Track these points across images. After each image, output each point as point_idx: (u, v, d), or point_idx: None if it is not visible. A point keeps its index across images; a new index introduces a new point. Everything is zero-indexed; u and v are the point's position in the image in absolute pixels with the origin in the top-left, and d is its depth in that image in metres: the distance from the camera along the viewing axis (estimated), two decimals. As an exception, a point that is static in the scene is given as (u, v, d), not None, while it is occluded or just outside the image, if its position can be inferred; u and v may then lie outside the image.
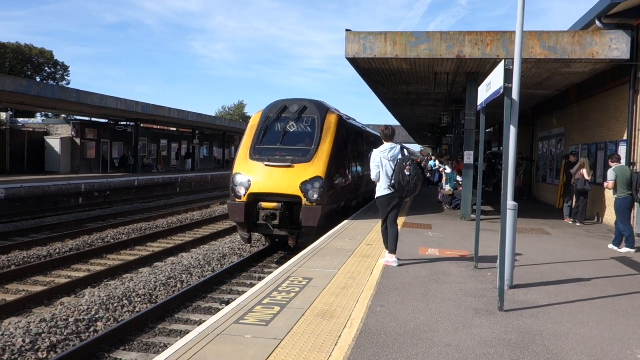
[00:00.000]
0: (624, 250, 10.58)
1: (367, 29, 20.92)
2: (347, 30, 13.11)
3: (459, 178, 17.51)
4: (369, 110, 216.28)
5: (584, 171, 14.20)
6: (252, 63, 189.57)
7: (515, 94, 6.98)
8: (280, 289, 6.67)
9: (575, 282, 7.66)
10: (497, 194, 24.97)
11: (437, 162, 31.49)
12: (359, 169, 17.13)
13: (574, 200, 15.04)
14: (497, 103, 18.64)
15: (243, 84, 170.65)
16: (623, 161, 13.17)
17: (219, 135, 52.91)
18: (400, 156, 8.26)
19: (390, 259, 8.39)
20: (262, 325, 5.22)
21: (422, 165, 35.22)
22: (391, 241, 8.37)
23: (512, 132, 6.97)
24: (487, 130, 38.75)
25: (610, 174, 10.86)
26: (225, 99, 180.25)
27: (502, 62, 6.11)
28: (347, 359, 4.46)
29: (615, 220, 11.00)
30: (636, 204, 11.39)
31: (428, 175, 31.44)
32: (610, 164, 11.13)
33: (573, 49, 12.40)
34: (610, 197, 14.39)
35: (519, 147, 28.18)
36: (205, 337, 4.86)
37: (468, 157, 14.86)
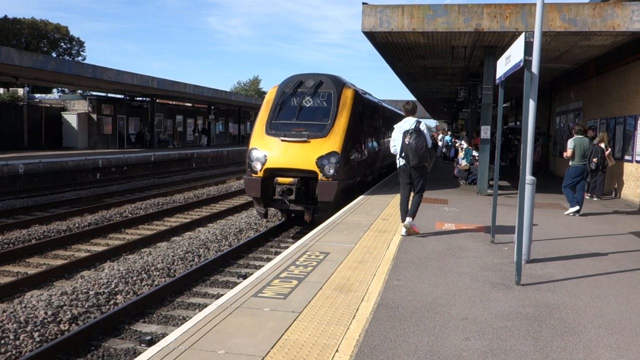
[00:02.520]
0: (569, 210, 11.52)
1: (388, 2, 20.66)
2: (363, 3, 12.97)
3: (475, 153, 17.40)
4: (385, 84, 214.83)
5: (603, 145, 14.03)
6: (268, 38, 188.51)
7: (535, 67, 6.89)
8: (297, 262, 6.72)
9: (592, 256, 7.63)
10: (513, 168, 24.82)
11: (452, 138, 31.29)
12: (375, 144, 17.07)
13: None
14: (514, 77, 18.38)
15: (258, 60, 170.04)
16: (641, 135, 13.05)
17: (234, 110, 52.89)
18: (411, 128, 8.54)
19: (409, 221, 8.82)
20: (280, 299, 5.28)
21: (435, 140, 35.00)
22: (412, 207, 8.83)
23: (532, 106, 6.89)
24: (504, 105, 38.36)
25: (570, 143, 11.66)
26: (240, 74, 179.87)
27: (523, 34, 6.01)
28: (365, 331, 4.51)
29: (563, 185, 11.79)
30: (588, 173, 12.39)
31: (444, 150, 31.28)
32: (573, 133, 11.92)
33: (593, 21, 12.16)
34: (629, 171, 14.27)
35: (536, 122, 27.93)
36: (224, 310, 4.93)
37: (485, 131, 14.74)
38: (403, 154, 8.60)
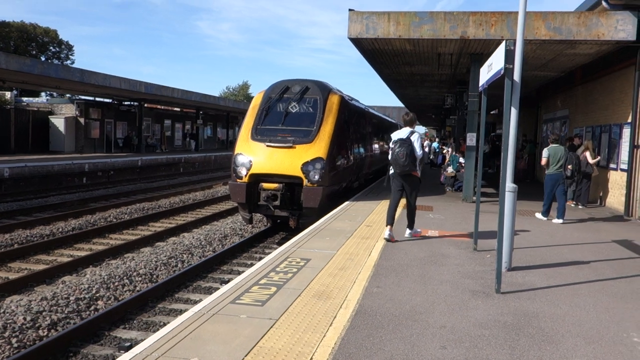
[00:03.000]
0: (541, 217, 12.08)
1: (374, 9, 20.70)
2: (350, 9, 12.98)
3: (461, 160, 17.45)
4: (374, 90, 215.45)
5: (587, 153, 14.13)
6: (258, 43, 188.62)
7: (516, 75, 6.91)
8: (277, 269, 6.68)
9: (574, 264, 7.65)
10: (500, 176, 24.88)
11: (440, 144, 31.39)
12: (362, 150, 17.07)
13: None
14: (501, 84, 18.43)
15: (248, 64, 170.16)
16: (627, 143, 13.15)
17: (222, 115, 52.80)
18: (402, 137, 8.84)
19: (408, 233, 9.33)
20: (258, 306, 5.24)
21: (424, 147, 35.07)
22: (408, 218, 9.24)
23: (513, 114, 6.92)
24: (492, 112, 38.52)
25: (545, 152, 12.05)
26: (230, 79, 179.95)
27: (503, 42, 6.03)
28: (341, 339, 4.48)
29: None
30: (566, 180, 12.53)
31: (431, 157, 31.36)
32: (549, 142, 12.35)
33: (578, 30, 12.24)
34: (614, 179, 14.36)
35: (523, 129, 28.10)
36: (201, 317, 4.88)
37: (470, 139, 14.78)
38: (391, 162, 8.94)
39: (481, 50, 14.00)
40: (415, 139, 8.80)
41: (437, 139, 38.01)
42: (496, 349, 4.42)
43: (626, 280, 6.88)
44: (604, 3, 12.47)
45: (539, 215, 12.31)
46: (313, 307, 5.25)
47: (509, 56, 5.97)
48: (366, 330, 4.69)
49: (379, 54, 15.34)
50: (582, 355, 4.38)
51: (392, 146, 8.86)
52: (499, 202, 6.32)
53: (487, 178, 22.16)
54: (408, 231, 9.27)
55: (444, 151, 25.92)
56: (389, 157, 9.01)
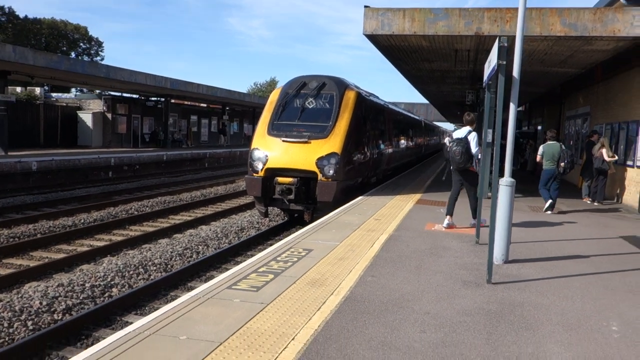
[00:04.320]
0: (547, 211, 12.39)
1: (402, 4, 20.76)
2: (365, 6, 13.13)
3: (480, 156, 17.44)
4: (402, 87, 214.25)
5: (604, 150, 14.06)
6: (288, 39, 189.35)
7: (516, 72, 7.05)
8: (278, 258, 6.93)
9: (573, 258, 7.74)
10: (523, 172, 24.78)
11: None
12: (379, 146, 17.20)
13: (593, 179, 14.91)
14: (526, 80, 18.56)
15: (278, 61, 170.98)
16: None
17: (249, 111, 53.29)
18: (459, 137, 9.69)
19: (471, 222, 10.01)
20: (252, 291, 5.49)
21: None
22: (471, 208, 9.98)
23: (512, 110, 7.05)
24: (518, 109, 38.21)
25: (540, 149, 12.87)
26: (258, 75, 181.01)
27: (497, 38, 6.17)
28: (326, 322, 4.70)
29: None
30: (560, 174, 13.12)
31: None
32: (546, 139, 13.09)
33: (594, 26, 12.19)
34: (631, 176, 14.27)
35: (546, 126, 27.84)
36: (196, 300, 5.16)
37: (487, 135, 14.78)
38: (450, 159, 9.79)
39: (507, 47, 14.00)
40: (472, 137, 9.56)
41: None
42: (474, 334, 4.59)
43: (621, 273, 6.95)
44: (621, -1, 12.41)
45: (545, 206, 12.59)
46: (305, 293, 5.48)
47: (502, 52, 6.09)
48: (351, 315, 4.91)
49: (395, 50, 15.45)
50: (556, 341, 4.53)
51: (450, 145, 9.65)
52: (492, 196, 6.46)
53: (471, 178, 22.00)
54: (472, 220, 9.94)
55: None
56: (448, 154, 9.72)
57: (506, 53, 6.27)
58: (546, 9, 12.32)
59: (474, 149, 9.51)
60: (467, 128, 9.76)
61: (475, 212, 9.72)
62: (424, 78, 22.51)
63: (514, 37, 7.65)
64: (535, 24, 12.11)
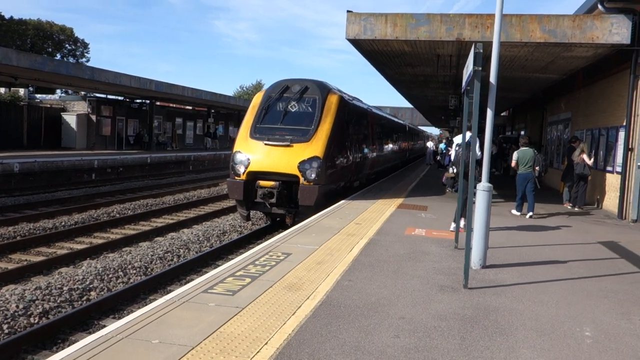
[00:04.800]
0: (516, 212, 13.05)
1: (391, 10, 20.83)
2: (348, 11, 13.19)
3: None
4: (388, 91, 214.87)
5: (584, 156, 14.22)
6: (274, 43, 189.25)
7: (492, 78, 7.12)
8: (256, 262, 6.93)
9: (551, 263, 7.81)
10: (506, 177, 24.95)
11: (446, 145, 31.46)
12: (363, 150, 17.20)
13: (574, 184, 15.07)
14: (508, 87, 18.73)
15: (264, 64, 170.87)
16: (621, 146, 13.23)
17: (234, 114, 53.16)
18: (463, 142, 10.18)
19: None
20: (228, 295, 5.48)
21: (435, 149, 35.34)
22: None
23: (489, 116, 7.12)
24: (502, 114, 38.51)
25: (514, 155, 13.23)
26: (245, 78, 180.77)
27: (473, 45, 6.23)
28: (300, 326, 4.71)
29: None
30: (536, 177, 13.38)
31: (438, 157, 31.48)
32: (520, 145, 13.52)
33: (573, 33, 12.33)
34: (610, 182, 14.44)
35: (529, 132, 28.11)
36: (172, 304, 5.14)
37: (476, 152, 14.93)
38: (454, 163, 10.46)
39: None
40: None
41: (444, 140, 38.08)
42: (447, 339, 4.62)
43: (597, 279, 7.03)
44: (600, 6, 12.56)
45: (514, 211, 13.16)
46: (281, 298, 5.49)
47: (478, 58, 6.15)
48: (326, 319, 4.92)
49: (378, 54, 15.52)
50: (529, 347, 4.57)
51: (456, 149, 10.05)
52: (467, 202, 6.51)
53: (493, 180, 22.20)
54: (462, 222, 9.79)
55: (450, 152, 25.98)
56: (452, 158, 10.31)
57: (482, 59, 6.33)
58: (526, 15, 12.45)
59: (478, 153, 9.47)
60: (469, 133, 9.75)
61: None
62: (407, 83, 22.62)
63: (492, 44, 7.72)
64: (516, 30, 12.23)
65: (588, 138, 16.52)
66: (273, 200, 12.63)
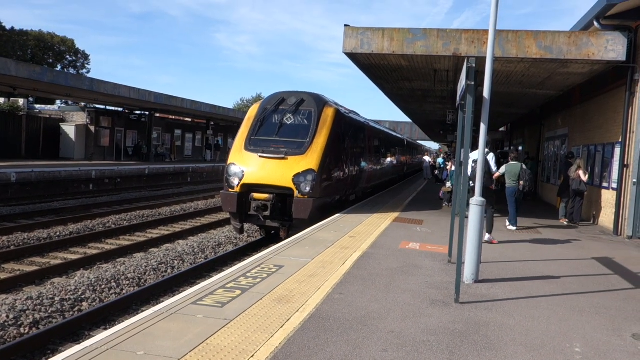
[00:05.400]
0: (510, 227, 13.21)
1: (392, 24, 20.98)
2: (345, 25, 13.25)
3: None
4: (388, 106, 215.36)
5: (580, 172, 14.24)
6: (275, 56, 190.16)
7: (486, 92, 7.15)
8: (248, 274, 6.90)
9: (544, 279, 7.78)
10: (503, 192, 24.92)
11: (444, 160, 31.51)
12: (359, 163, 17.15)
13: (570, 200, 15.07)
14: (507, 102, 18.94)
15: (265, 77, 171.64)
16: (617, 162, 13.24)
17: (233, 126, 53.26)
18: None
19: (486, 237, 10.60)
20: (217, 307, 5.45)
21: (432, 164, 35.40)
22: (487, 224, 10.65)
23: (482, 130, 7.13)
24: (501, 130, 38.61)
25: (502, 168, 13.30)
26: (245, 91, 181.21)
27: (465, 59, 6.25)
28: (288, 339, 4.68)
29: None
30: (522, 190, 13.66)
31: (436, 172, 31.50)
32: (509, 160, 13.72)
33: (569, 49, 12.39)
34: (606, 198, 14.43)
35: (527, 147, 28.14)
36: (159, 315, 5.11)
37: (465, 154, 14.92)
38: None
39: (476, 68, 14.16)
40: (490, 158, 10.73)
41: (442, 155, 38.14)
42: (436, 354, 4.59)
43: (590, 295, 7.00)
44: (596, 23, 12.65)
45: (509, 226, 13.29)
46: (270, 310, 5.46)
47: (470, 73, 6.17)
48: (314, 333, 4.88)
49: (375, 68, 15.57)
50: (518, 362, 4.54)
51: (473, 165, 10.35)
52: (460, 217, 6.50)
53: (489, 195, 22.17)
54: (487, 236, 10.66)
55: (448, 167, 25.99)
56: (469, 173, 10.44)
57: (475, 74, 6.35)
58: (522, 31, 12.51)
59: (493, 168, 10.71)
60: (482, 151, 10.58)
61: (491, 226, 10.82)
62: (405, 97, 22.68)
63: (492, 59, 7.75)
64: (512, 46, 12.29)
65: (584, 154, 16.54)
66: (267, 213, 12.56)
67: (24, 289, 9.40)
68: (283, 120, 13.74)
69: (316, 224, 11.93)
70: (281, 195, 12.68)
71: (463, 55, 12.77)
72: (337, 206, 14.88)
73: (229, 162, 13.27)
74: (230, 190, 12.94)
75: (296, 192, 12.49)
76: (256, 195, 12.65)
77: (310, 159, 12.80)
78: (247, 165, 12.89)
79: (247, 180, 12.75)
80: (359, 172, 17.18)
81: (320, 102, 14.11)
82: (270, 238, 14.38)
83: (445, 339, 4.96)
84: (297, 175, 12.53)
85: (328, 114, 13.88)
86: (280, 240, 13.76)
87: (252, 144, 13.33)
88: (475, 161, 10.20)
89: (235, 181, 12.84)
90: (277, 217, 12.73)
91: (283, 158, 12.80)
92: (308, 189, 12.45)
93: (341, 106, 15.85)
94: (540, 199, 23.18)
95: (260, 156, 12.93)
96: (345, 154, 15.15)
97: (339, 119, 14.27)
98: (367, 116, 21.31)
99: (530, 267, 8.59)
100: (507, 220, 13.42)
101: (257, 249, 13.52)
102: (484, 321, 5.58)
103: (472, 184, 10.70)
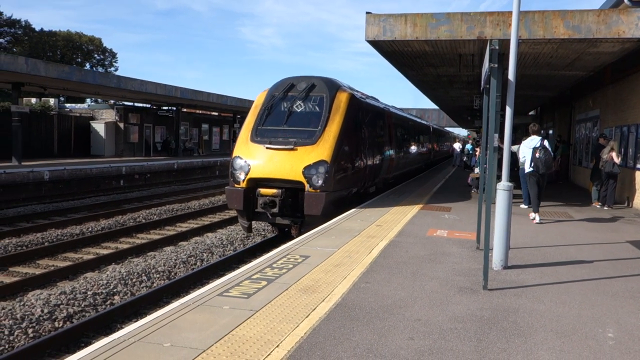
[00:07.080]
0: (523, 206, 13.59)
1: (416, 11, 20.66)
2: (367, 12, 13.12)
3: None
4: (417, 93, 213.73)
5: (613, 154, 13.89)
6: (300, 47, 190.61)
7: (511, 75, 7.01)
8: (274, 265, 6.91)
9: (575, 263, 7.62)
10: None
11: (473, 146, 31.15)
12: (379, 152, 16.04)
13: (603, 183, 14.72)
14: (534, 85, 18.71)
15: (290, 69, 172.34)
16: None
17: (260, 119, 53.50)
18: (537, 145, 11.48)
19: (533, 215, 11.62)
20: (244, 298, 5.47)
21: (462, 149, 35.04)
22: (533, 203, 11.85)
23: (508, 114, 6.99)
24: (530, 114, 37.95)
25: (515, 148, 13.35)
26: (271, 83, 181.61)
27: (488, 41, 6.12)
28: (313, 329, 4.67)
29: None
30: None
31: (465, 158, 31.16)
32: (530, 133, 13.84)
33: (598, 28, 12.06)
34: (640, 180, 14.08)
35: (558, 130, 27.61)
36: (186, 307, 5.15)
37: (494, 139, 14.68)
38: (533, 164, 11.42)
39: (501, 51, 13.87)
40: (547, 145, 11.58)
41: (470, 141, 37.71)
42: (463, 341, 4.53)
43: (624, 279, 6.83)
44: (626, 0, 12.29)
45: (523, 205, 13.65)
46: (296, 300, 5.45)
47: (494, 55, 6.05)
48: (340, 322, 4.87)
49: (399, 55, 15.39)
50: (548, 348, 4.45)
51: (530, 152, 11.44)
52: (486, 202, 6.40)
53: (516, 179, 21.83)
54: (534, 214, 11.57)
55: (476, 153, 25.69)
56: (527, 159, 11.71)
57: (500, 57, 6.22)
58: (549, 11, 12.23)
59: (551, 154, 11.46)
60: (537, 137, 11.73)
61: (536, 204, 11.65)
62: (430, 83, 22.41)
63: (518, 42, 7.58)
64: (539, 27, 12.02)
65: (617, 135, 16.14)
66: (275, 210, 11.60)
67: (57, 284, 9.60)
68: (292, 107, 12.74)
69: (342, 214, 11.69)
70: (291, 190, 11.76)
71: (488, 38, 12.51)
72: (354, 200, 13.85)
73: (233, 155, 12.39)
74: (235, 185, 12.03)
75: (307, 186, 11.52)
76: (263, 190, 11.76)
77: (322, 149, 11.80)
78: (253, 158, 11.98)
79: (253, 174, 11.84)
80: (379, 161, 16.08)
81: (333, 87, 13.09)
82: (283, 236, 13.19)
83: (473, 326, 4.89)
84: (307, 168, 11.55)
85: (341, 99, 12.85)
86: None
87: (259, 135, 12.42)
88: (536, 149, 11.27)
89: (241, 176, 11.92)
90: (287, 213, 11.82)
91: (292, 149, 11.81)
92: (320, 182, 11.46)
93: (357, 91, 14.95)
94: (573, 183, 22.74)
95: (267, 147, 11.97)
96: (362, 143, 14.02)
97: (354, 105, 13.28)
98: (395, 104, 20.83)
99: (562, 251, 8.43)
100: (522, 204, 13.80)
101: (286, 239, 13.51)
102: (513, 307, 5.49)
103: (531, 169, 11.48)
